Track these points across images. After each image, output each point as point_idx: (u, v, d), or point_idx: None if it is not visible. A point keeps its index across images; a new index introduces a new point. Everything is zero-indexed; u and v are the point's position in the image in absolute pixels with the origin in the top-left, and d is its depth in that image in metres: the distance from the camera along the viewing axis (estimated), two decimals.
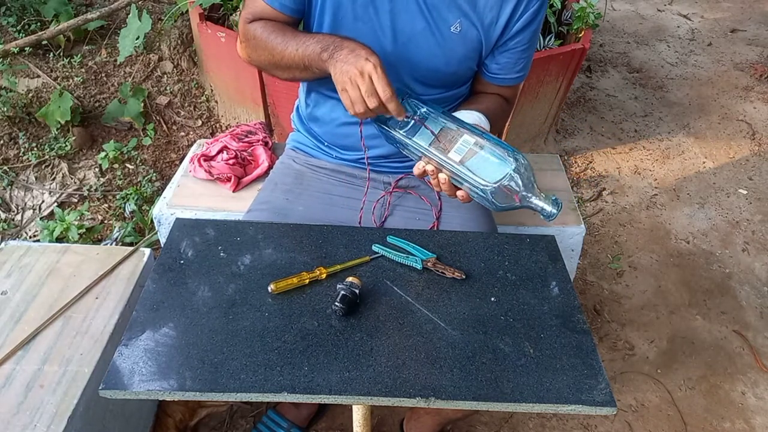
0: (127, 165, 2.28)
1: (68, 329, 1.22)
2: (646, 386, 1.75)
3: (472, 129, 0.99)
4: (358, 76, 0.94)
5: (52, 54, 2.55)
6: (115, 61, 2.59)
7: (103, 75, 2.55)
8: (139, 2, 2.86)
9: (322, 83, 1.19)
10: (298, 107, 1.39)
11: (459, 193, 0.98)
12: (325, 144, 1.30)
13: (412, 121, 1.04)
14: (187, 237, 1.04)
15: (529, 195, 0.91)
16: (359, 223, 1.24)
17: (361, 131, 1.19)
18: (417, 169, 1.02)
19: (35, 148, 2.23)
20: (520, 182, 0.91)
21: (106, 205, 2.16)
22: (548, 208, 0.91)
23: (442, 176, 0.98)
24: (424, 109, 1.05)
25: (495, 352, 0.86)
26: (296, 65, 1.05)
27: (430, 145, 1.00)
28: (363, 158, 1.25)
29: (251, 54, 1.13)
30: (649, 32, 3.76)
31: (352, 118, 1.20)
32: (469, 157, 0.95)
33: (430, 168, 0.99)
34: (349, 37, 1.00)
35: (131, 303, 1.30)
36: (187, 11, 2.55)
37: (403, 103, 1.02)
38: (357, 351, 0.85)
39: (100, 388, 0.79)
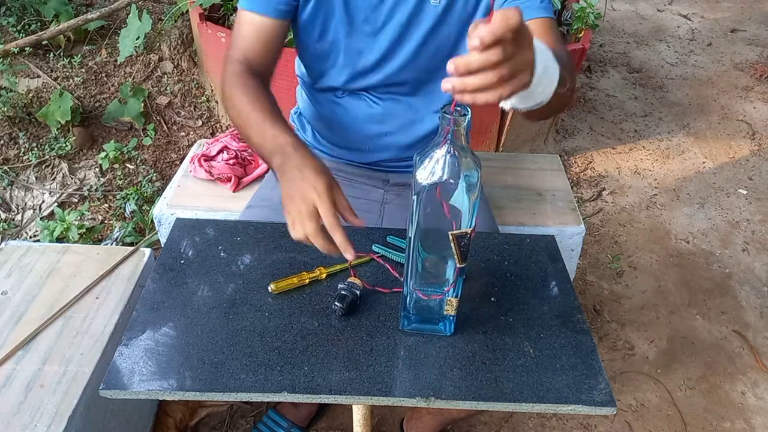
0: (128, 165, 2.28)
1: (68, 329, 1.22)
2: (646, 386, 1.75)
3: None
4: (299, 200, 0.84)
5: (52, 54, 2.55)
6: (116, 61, 2.59)
7: (103, 75, 2.55)
8: (140, 2, 2.86)
9: (329, 88, 1.19)
10: (296, 109, 1.39)
11: None
12: (326, 142, 1.30)
13: None
14: (187, 237, 1.04)
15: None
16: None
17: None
18: None
19: (35, 148, 2.23)
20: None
21: (107, 205, 2.16)
22: None
23: None
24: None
25: (495, 352, 0.86)
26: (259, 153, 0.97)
27: None
28: (363, 161, 1.26)
29: (228, 112, 1.01)
30: (649, 32, 3.76)
31: (359, 123, 1.21)
32: None
33: None
34: (302, 145, 0.90)
35: (131, 303, 1.30)
36: (187, 11, 2.55)
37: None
38: (357, 351, 0.85)
39: (100, 388, 0.79)
